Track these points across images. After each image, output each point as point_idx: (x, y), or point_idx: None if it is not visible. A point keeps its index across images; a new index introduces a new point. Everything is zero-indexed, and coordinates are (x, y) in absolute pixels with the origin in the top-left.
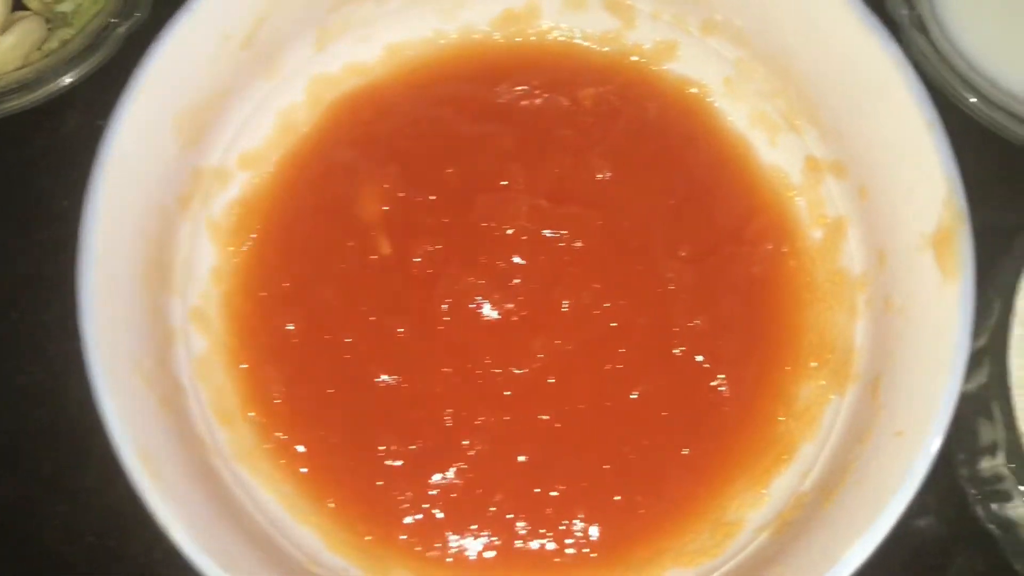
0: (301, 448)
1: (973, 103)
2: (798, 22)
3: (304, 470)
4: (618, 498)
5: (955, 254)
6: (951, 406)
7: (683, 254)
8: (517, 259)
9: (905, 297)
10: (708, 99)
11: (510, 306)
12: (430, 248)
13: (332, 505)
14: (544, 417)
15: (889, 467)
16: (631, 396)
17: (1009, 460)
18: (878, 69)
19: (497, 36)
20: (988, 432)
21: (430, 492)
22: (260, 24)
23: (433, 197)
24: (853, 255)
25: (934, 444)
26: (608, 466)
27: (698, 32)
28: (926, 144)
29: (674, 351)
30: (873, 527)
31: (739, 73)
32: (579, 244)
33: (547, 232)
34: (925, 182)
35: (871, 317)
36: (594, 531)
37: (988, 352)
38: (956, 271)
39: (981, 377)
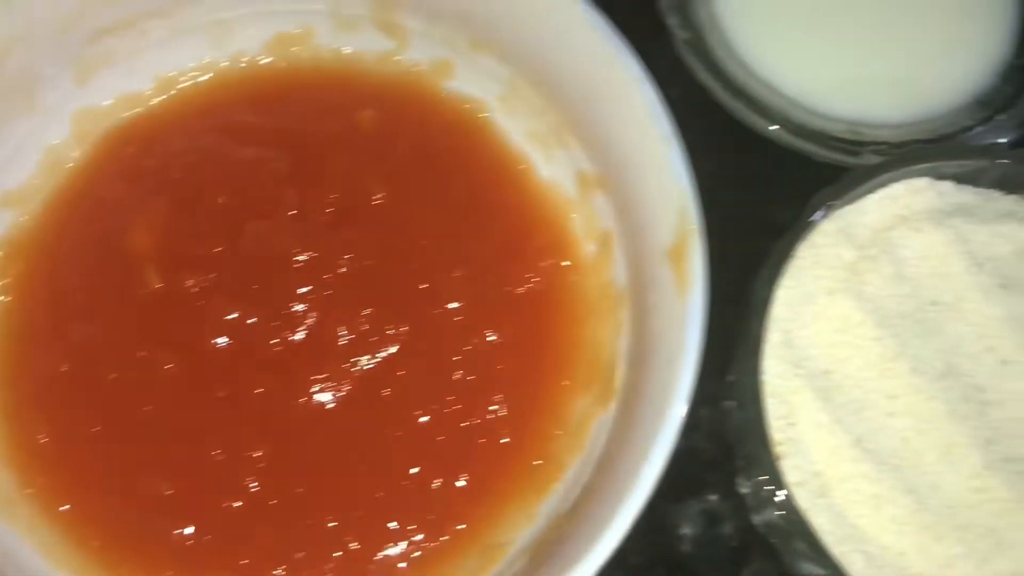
0: (63, 492)
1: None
2: (547, 41)
3: (66, 509)
4: (392, 525)
5: (688, 268)
6: (675, 425)
7: (460, 274)
8: (291, 287)
9: (652, 311)
10: (486, 115)
11: (285, 335)
12: (201, 279)
13: (95, 547)
14: (321, 448)
15: (616, 485)
16: (408, 422)
17: (763, 469)
18: (619, 85)
19: (271, 61)
20: None
21: (199, 528)
22: (3, 59)
23: (205, 227)
24: (619, 269)
25: (657, 464)
26: (382, 494)
27: (468, 50)
28: (663, 158)
29: (453, 374)
30: (594, 550)
31: (511, 90)
32: (355, 269)
33: (322, 258)
34: (664, 196)
35: (629, 331)
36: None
37: (743, 360)
38: (689, 285)
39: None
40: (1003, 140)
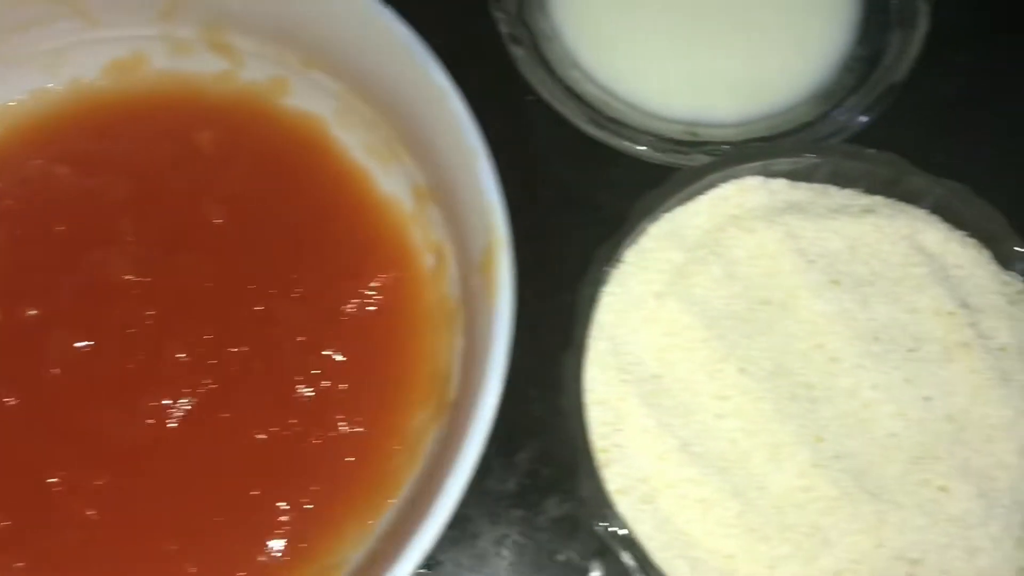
0: None
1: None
2: (367, 57)
3: None
4: (232, 548)
5: (495, 278)
6: (480, 438)
7: (299, 293)
8: (129, 313)
9: (473, 322)
10: (326, 131)
11: (123, 362)
12: (39, 310)
13: None
14: (162, 473)
15: (426, 499)
16: (249, 444)
17: (586, 479)
18: (431, 99)
19: (107, 86)
20: None
21: (30, 564)
22: None
23: (42, 257)
24: (453, 281)
25: (461, 476)
26: (221, 518)
27: (300, 67)
28: (472, 171)
29: (293, 394)
30: (395, 570)
31: (345, 105)
32: (193, 293)
33: (160, 284)
34: (476, 208)
35: (461, 343)
36: None
37: (568, 368)
38: (495, 296)
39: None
40: (843, 133)
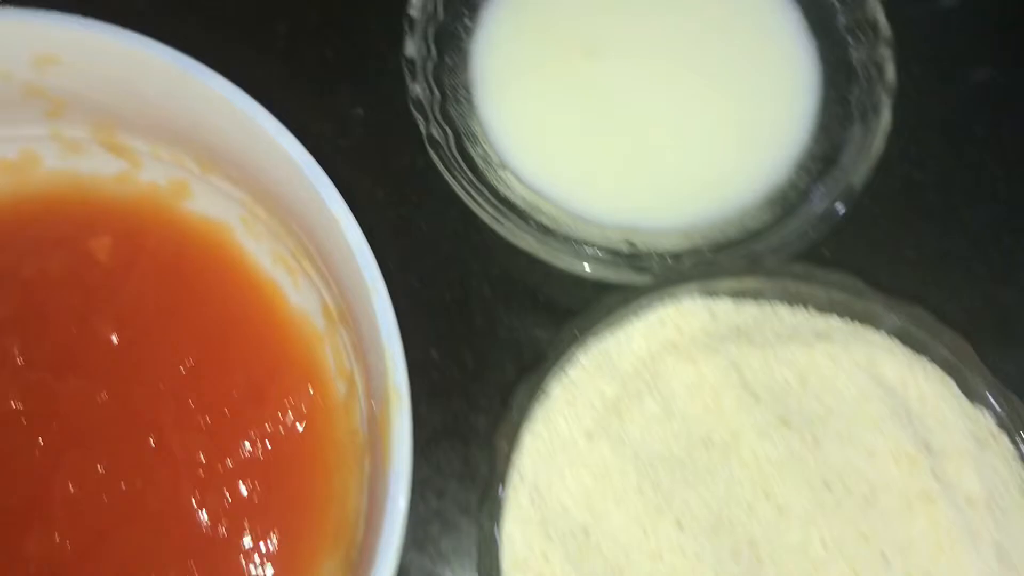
0: None
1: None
2: (265, 170)
3: None
4: None
5: (390, 430)
6: None
7: (201, 422)
8: (13, 444)
9: (374, 470)
10: (231, 238)
11: (5, 497)
12: None
13: None
14: None
15: None
16: None
17: None
18: (328, 224)
19: None
20: None
21: None
22: None
23: None
24: (363, 414)
25: None
26: None
27: (200, 172)
28: (371, 307)
29: (192, 536)
30: None
31: (250, 213)
32: (83, 422)
33: (46, 411)
34: (375, 347)
35: (368, 485)
36: None
37: (484, 525)
38: (389, 449)
39: None
40: (796, 243)
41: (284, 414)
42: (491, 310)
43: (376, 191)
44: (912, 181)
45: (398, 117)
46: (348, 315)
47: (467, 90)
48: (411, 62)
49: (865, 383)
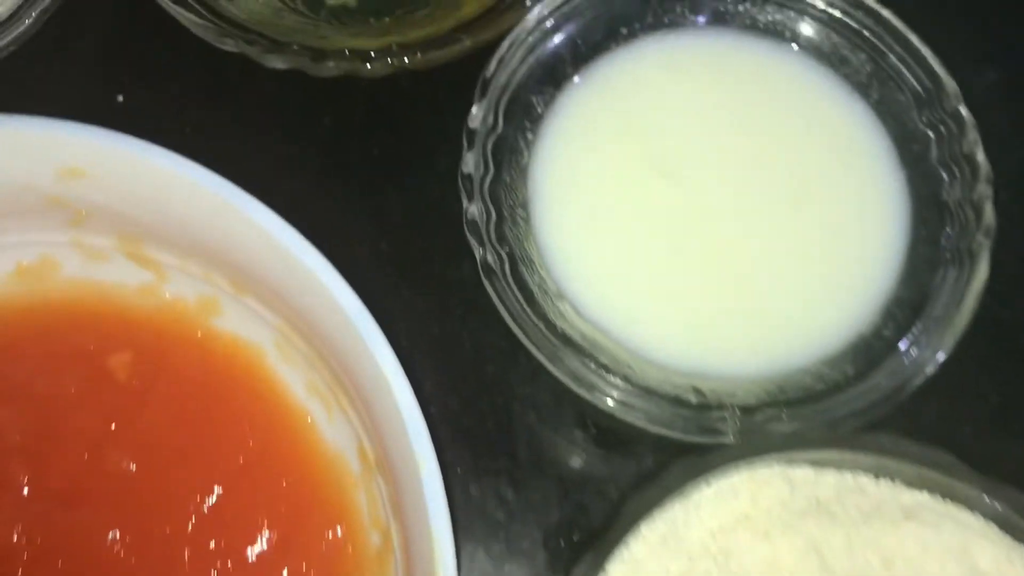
0: None
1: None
2: (300, 300)
3: None
4: None
5: None
6: None
7: (220, 567)
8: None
9: None
10: (262, 362)
11: None
12: None
13: None
14: None
15: None
16: None
17: None
18: (377, 380)
19: (10, 294)
20: None
21: None
22: None
23: None
24: (399, 571)
25: None
26: None
27: (231, 290)
28: (418, 482)
29: None
30: None
31: (283, 337)
32: (91, 560)
33: (53, 545)
34: (424, 535)
35: None
36: None
37: None
38: None
39: None
40: (880, 405)
41: (311, 565)
42: (537, 441)
43: (416, 301)
44: (1000, 321)
45: (444, 222)
46: (387, 471)
47: (525, 210)
48: (468, 179)
49: (956, 570)
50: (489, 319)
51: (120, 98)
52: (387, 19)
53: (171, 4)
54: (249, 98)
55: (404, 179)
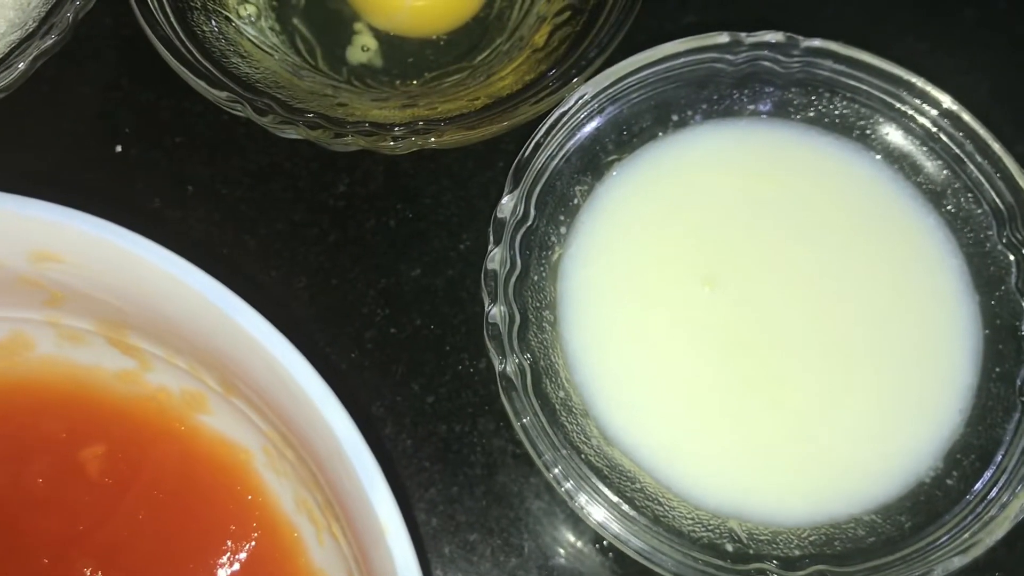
0: None
1: None
2: (293, 413)
3: None
4: None
5: None
6: None
7: None
8: None
9: None
10: (249, 467)
11: None
12: None
13: None
14: None
15: None
16: None
17: None
18: (369, 520)
19: None
20: None
21: None
22: None
23: None
24: None
25: None
26: None
27: (220, 390)
28: None
29: None
30: None
31: (272, 445)
32: None
33: None
34: None
35: None
36: None
37: None
38: None
39: None
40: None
41: None
42: (549, 567)
43: (425, 396)
44: None
45: (461, 309)
46: None
47: (552, 312)
48: (492, 277)
49: None
50: (505, 422)
51: (119, 148)
52: (414, 83)
53: (180, 67)
54: (257, 156)
55: (421, 257)
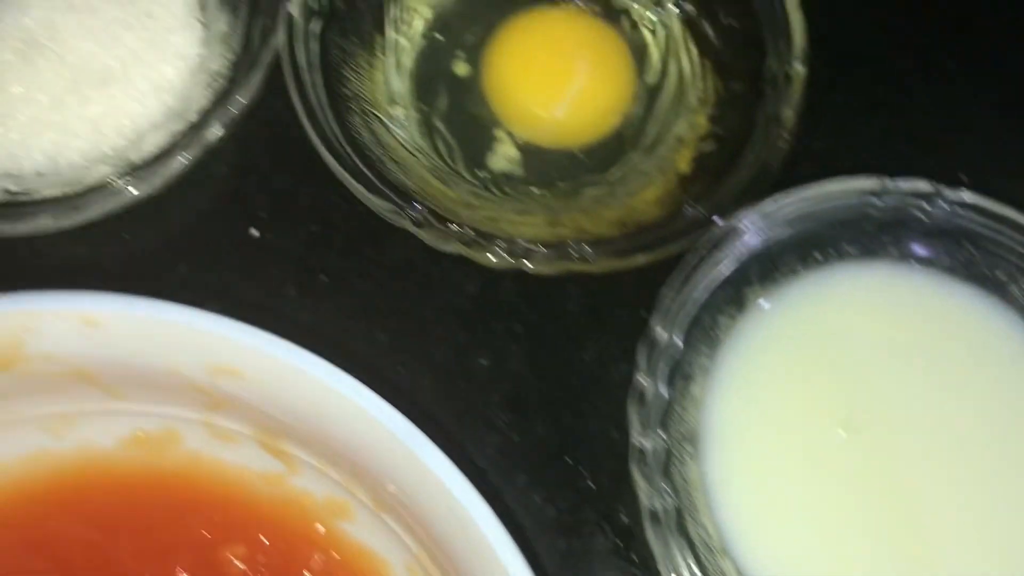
0: None
1: None
2: (449, 536)
3: None
4: None
5: None
6: None
7: None
8: None
9: None
10: None
11: None
12: None
13: None
14: None
15: None
16: None
17: None
18: None
19: (121, 460)
20: None
21: None
22: None
23: None
24: None
25: None
26: None
27: (370, 504)
28: None
29: None
30: None
31: (417, 563)
32: None
33: None
34: None
35: None
36: None
37: None
38: None
39: None
40: None
41: None
42: None
43: (547, 508)
44: None
45: (585, 422)
46: None
47: (693, 446)
48: (643, 404)
49: None
50: (628, 539)
51: (255, 232)
52: (548, 193)
53: (340, 170)
54: (393, 250)
55: (546, 369)
